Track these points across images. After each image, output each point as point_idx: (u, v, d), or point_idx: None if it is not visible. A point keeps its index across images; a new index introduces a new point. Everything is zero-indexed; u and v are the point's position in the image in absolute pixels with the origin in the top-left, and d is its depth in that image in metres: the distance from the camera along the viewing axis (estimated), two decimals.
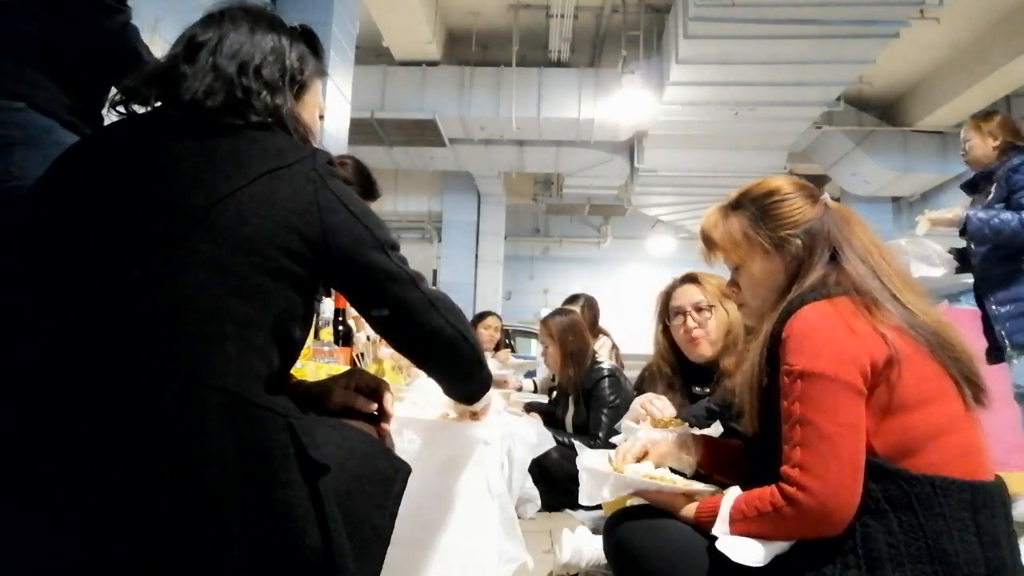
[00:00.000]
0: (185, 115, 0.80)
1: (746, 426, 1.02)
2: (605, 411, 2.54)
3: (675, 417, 1.41)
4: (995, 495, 0.89)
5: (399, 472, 0.84)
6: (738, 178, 7.55)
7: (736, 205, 1.10)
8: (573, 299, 3.50)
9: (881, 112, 7.62)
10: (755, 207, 1.07)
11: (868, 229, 1.05)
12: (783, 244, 1.04)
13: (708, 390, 1.64)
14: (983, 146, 2.50)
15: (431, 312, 0.87)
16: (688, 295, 1.68)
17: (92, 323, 0.67)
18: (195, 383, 0.66)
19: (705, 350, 1.62)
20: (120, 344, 0.66)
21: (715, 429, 1.27)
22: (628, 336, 3.32)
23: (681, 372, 1.71)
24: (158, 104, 0.82)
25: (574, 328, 2.71)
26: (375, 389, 0.92)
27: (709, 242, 1.12)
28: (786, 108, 6.06)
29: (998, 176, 2.39)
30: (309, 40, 0.94)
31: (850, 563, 0.85)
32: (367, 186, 1.79)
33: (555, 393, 3.06)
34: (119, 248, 0.71)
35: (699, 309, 1.65)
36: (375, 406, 0.91)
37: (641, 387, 1.89)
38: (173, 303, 0.69)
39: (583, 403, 2.63)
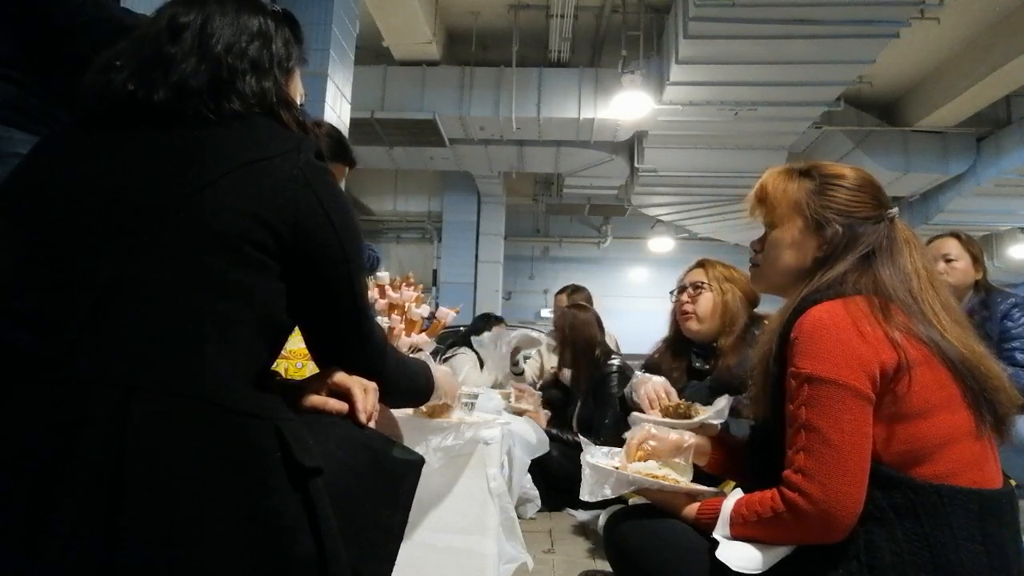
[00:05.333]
0: (158, 104, 0.74)
1: (755, 414, 1.01)
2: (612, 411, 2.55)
3: (680, 402, 1.41)
4: (1004, 503, 0.87)
5: (410, 464, 0.82)
6: (738, 178, 7.57)
7: (804, 172, 1.08)
8: (576, 290, 3.52)
9: (881, 112, 7.61)
10: (820, 180, 1.06)
11: (927, 257, 1.02)
12: (824, 225, 1.02)
13: (707, 367, 1.80)
14: (969, 273, 2.17)
15: (364, 345, 0.86)
16: (692, 276, 1.89)
17: (56, 332, 0.63)
18: (169, 393, 0.62)
19: (692, 324, 1.83)
20: (86, 354, 0.62)
21: (720, 404, 1.26)
22: (629, 336, 3.32)
23: (683, 344, 1.90)
24: (130, 87, 0.75)
25: (574, 324, 2.75)
26: (348, 389, 0.85)
27: (762, 193, 1.11)
28: (786, 108, 6.05)
29: (979, 318, 2.08)
30: (291, 26, 0.90)
31: (852, 570, 0.84)
32: (342, 153, 1.76)
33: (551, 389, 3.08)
34: (83, 249, 0.67)
35: (696, 288, 1.83)
36: (347, 408, 0.84)
37: (652, 358, 2.01)
38: (144, 306, 0.65)
39: (591, 398, 2.64)
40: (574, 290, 3.58)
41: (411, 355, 1.18)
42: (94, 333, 0.63)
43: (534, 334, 3.31)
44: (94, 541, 0.58)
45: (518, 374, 3.39)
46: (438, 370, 1.20)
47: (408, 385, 1.02)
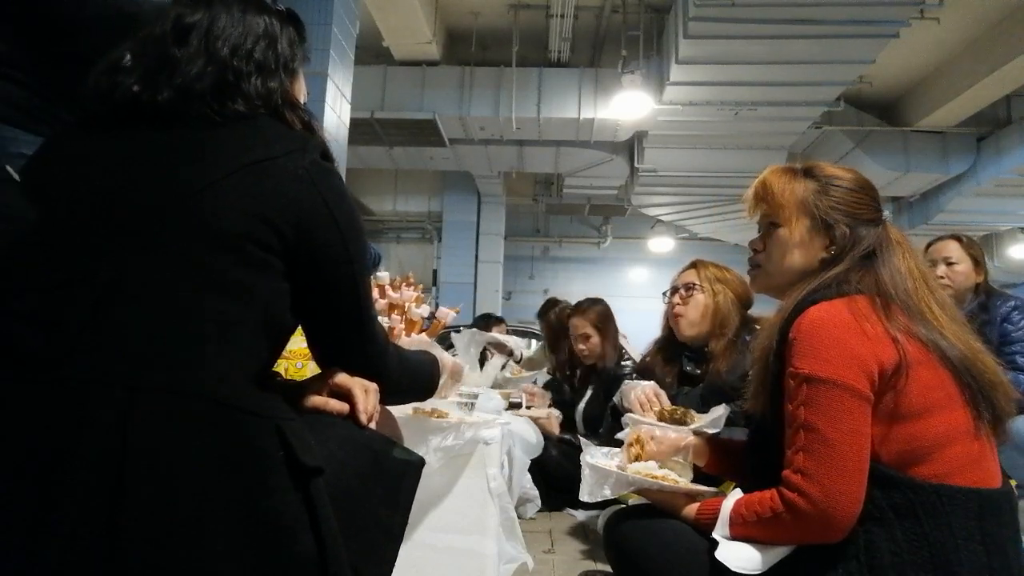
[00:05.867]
0: (162, 105, 0.74)
1: (753, 408, 1.02)
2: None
3: (677, 407, 1.40)
4: (1003, 503, 0.87)
5: (410, 465, 0.82)
6: (738, 178, 7.57)
7: (806, 173, 1.08)
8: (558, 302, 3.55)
9: (881, 112, 7.60)
10: (824, 181, 1.06)
11: (919, 258, 1.03)
12: (832, 226, 1.02)
13: (699, 371, 1.78)
14: (970, 276, 2.17)
15: (365, 346, 0.86)
16: (684, 277, 1.86)
17: (57, 332, 0.63)
18: (169, 392, 0.62)
19: (683, 326, 1.81)
20: (86, 354, 0.62)
21: (717, 412, 1.26)
22: (629, 336, 3.32)
23: (674, 346, 1.88)
24: (135, 89, 0.75)
25: (609, 315, 2.81)
26: (349, 390, 0.84)
27: (764, 190, 1.10)
28: (786, 108, 6.04)
29: (979, 322, 2.05)
30: (295, 25, 0.90)
31: (852, 570, 0.84)
32: None
33: (566, 380, 3.09)
34: (84, 249, 0.67)
35: (687, 289, 1.81)
36: (348, 408, 0.83)
37: (644, 361, 1.99)
38: (144, 306, 0.65)
39: (601, 394, 2.65)
40: (556, 302, 3.59)
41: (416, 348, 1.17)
42: (94, 333, 0.63)
43: (502, 337, 3.35)
44: (94, 541, 0.58)
45: (516, 361, 3.42)
46: (443, 363, 1.18)
47: (410, 384, 1.01)
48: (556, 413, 2.74)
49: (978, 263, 2.20)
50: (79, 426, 0.60)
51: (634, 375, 2.60)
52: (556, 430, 2.64)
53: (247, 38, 0.81)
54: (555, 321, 3.33)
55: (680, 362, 1.85)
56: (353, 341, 0.85)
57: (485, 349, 3.51)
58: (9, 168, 0.85)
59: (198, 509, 0.61)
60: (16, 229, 0.71)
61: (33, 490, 0.59)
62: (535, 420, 2.59)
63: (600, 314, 2.80)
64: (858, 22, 4.87)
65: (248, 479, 0.64)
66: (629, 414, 1.36)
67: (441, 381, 1.14)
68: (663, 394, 1.47)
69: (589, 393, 2.77)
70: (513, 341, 3.38)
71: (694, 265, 1.89)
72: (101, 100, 0.77)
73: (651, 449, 1.16)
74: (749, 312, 1.81)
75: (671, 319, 1.86)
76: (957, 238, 2.24)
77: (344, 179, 0.85)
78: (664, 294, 1.92)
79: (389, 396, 0.92)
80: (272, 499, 0.64)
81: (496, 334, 3.39)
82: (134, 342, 0.64)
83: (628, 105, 5.88)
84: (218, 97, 0.76)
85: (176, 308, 0.66)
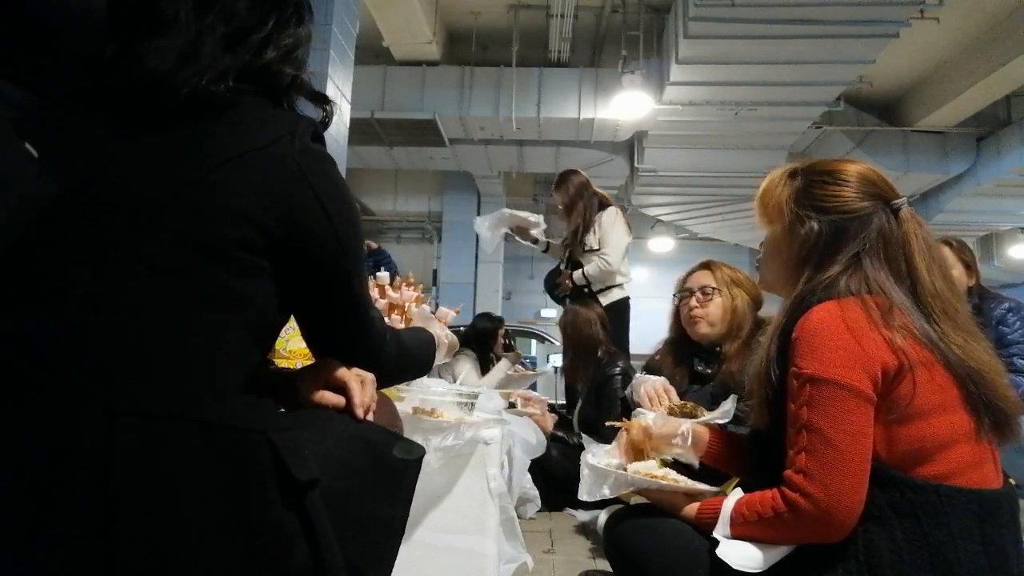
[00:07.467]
0: (137, 88, 0.67)
1: (754, 419, 1.01)
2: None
3: (686, 402, 1.40)
4: (1003, 503, 0.87)
5: (411, 456, 0.80)
6: (738, 178, 7.57)
7: (794, 174, 1.07)
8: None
9: (881, 112, 7.61)
10: (803, 181, 1.05)
11: (931, 253, 0.99)
12: (800, 222, 1.02)
13: (710, 371, 1.77)
14: (962, 280, 2.15)
15: (365, 341, 0.84)
16: (699, 279, 1.81)
17: (41, 350, 0.60)
18: (157, 412, 0.59)
19: (703, 329, 1.75)
20: (72, 372, 0.59)
21: (726, 406, 1.26)
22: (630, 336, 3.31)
23: (686, 347, 1.82)
24: (107, 70, 0.68)
25: (575, 322, 2.78)
26: (345, 383, 0.81)
27: (761, 196, 1.11)
28: (786, 108, 6.05)
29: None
30: None
31: (851, 569, 0.84)
32: None
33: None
34: (66, 256, 0.62)
35: (704, 292, 1.76)
36: (344, 402, 0.81)
37: (653, 360, 1.95)
38: (131, 320, 0.61)
39: (593, 397, 2.65)
40: (575, 172, 3.52)
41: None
42: (80, 350, 0.60)
43: (521, 214, 3.37)
44: (87, 570, 0.57)
45: (545, 250, 3.51)
46: (440, 340, 1.18)
47: (407, 367, 0.99)
48: (552, 416, 2.75)
49: (970, 267, 2.19)
50: (67, 448, 0.57)
51: (644, 372, 2.59)
52: (549, 426, 2.64)
53: (235, 7, 0.74)
54: (572, 190, 3.32)
55: (690, 361, 1.81)
56: (351, 336, 0.82)
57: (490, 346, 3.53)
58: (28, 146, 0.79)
59: (192, 528, 0.59)
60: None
61: (22, 516, 0.56)
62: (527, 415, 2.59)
63: (562, 321, 2.87)
64: (858, 22, 4.88)
65: (242, 496, 0.62)
66: (638, 409, 1.36)
67: (437, 358, 1.13)
68: (672, 390, 1.46)
69: (580, 400, 2.78)
70: (533, 217, 3.41)
71: (708, 267, 1.84)
72: (87, 90, 0.71)
73: (650, 438, 1.15)
74: (759, 313, 1.80)
75: (686, 321, 1.79)
76: (948, 243, 2.22)
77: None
78: (675, 295, 1.86)
79: (387, 383, 0.91)
80: (267, 513, 0.63)
81: (516, 212, 3.39)
82: (120, 360, 0.61)
83: (628, 105, 5.88)
84: (201, 74, 0.68)
85: (163, 321, 0.62)
